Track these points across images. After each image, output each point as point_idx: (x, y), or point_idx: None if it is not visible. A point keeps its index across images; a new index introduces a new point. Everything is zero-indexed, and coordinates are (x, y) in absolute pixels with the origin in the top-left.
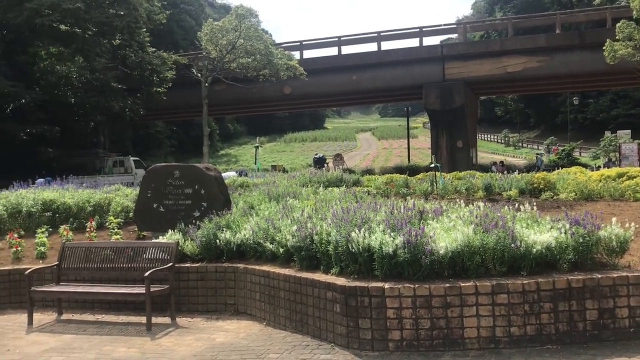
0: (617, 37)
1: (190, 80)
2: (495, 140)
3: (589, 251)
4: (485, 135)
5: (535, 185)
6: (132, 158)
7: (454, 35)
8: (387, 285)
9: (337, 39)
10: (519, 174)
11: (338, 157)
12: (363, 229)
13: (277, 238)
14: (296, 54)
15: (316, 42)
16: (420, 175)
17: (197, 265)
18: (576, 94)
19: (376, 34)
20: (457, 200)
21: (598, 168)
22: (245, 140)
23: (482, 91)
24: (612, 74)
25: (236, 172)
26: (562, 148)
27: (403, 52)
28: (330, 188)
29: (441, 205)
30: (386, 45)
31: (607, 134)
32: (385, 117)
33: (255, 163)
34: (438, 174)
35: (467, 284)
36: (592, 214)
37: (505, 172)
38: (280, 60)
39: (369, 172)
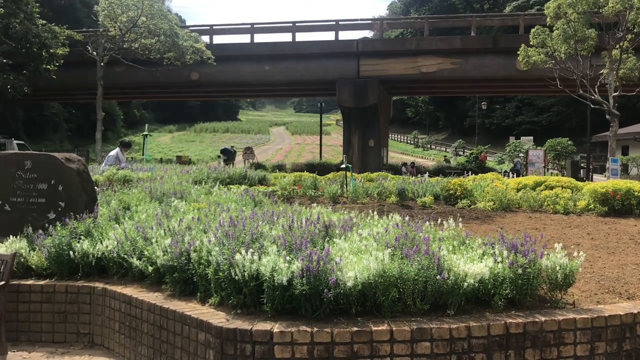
0: (530, 43)
1: (88, 60)
2: (405, 141)
3: (530, 285)
4: (396, 136)
5: (451, 191)
6: (15, 142)
7: (372, 35)
8: (276, 329)
9: (250, 26)
10: (429, 176)
11: (248, 151)
12: (252, 249)
13: (146, 253)
14: (207, 40)
15: (228, 27)
16: (330, 175)
17: (42, 283)
18: (485, 99)
19: (291, 24)
20: (369, 207)
21: (505, 173)
22: (153, 128)
23: (396, 90)
24: (523, 80)
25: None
26: (470, 151)
27: (318, 45)
28: (231, 186)
29: (351, 217)
30: (301, 37)
31: (512, 139)
32: (300, 112)
33: (143, 154)
34: (349, 174)
35: (380, 328)
36: (531, 237)
37: (416, 173)
38: (186, 43)
39: (279, 167)
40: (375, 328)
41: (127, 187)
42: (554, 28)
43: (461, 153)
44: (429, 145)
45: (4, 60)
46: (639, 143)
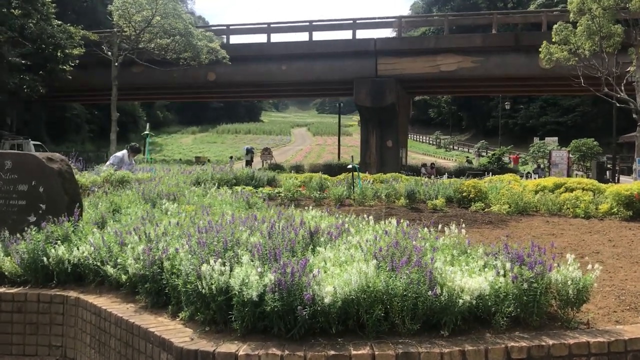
0: (553, 40)
1: (105, 61)
2: (427, 141)
3: (537, 302)
4: (418, 136)
5: (464, 194)
6: (32, 142)
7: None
8: (242, 351)
9: (266, 26)
10: (448, 177)
11: (266, 152)
12: (224, 258)
13: (120, 260)
14: (224, 40)
15: (244, 27)
16: (341, 176)
17: (13, 291)
18: (508, 99)
19: (308, 23)
20: (377, 209)
21: (528, 174)
22: (175, 129)
23: (415, 90)
24: (546, 78)
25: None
26: (492, 152)
27: (335, 44)
28: (237, 187)
29: (344, 222)
30: (318, 36)
31: (536, 140)
32: (322, 113)
33: (144, 154)
34: (356, 175)
35: (360, 352)
36: (539, 246)
37: (436, 174)
38: (200, 42)
39: (297, 168)
40: (355, 352)
41: (123, 189)
42: (577, 24)
43: (484, 154)
44: (451, 146)
45: (20, 61)
46: None
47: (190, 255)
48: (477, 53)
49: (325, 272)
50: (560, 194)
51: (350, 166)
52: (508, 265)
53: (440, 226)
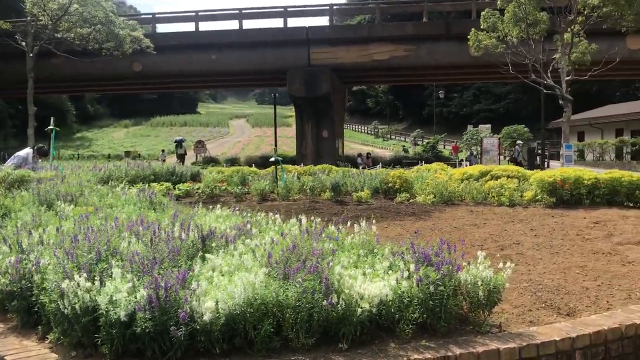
0: (481, 27)
1: (22, 52)
2: (366, 131)
3: (444, 307)
4: (357, 126)
5: (390, 184)
6: None
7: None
8: None
9: (194, 14)
10: (384, 167)
11: (199, 144)
12: (95, 271)
13: None
14: (150, 29)
15: (171, 15)
16: (270, 169)
17: None
18: (442, 88)
19: (237, 11)
20: (300, 203)
21: (461, 162)
22: (107, 123)
23: (350, 80)
24: (476, 66)
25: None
26: (427, 141)
27: (265, 33)
28: (154, 184)
29: (246, 223)
30: (249, 25)
31: (470, 127)
32: (262, 104)
33: (50, 150)
34: (280, 168)
35: None
36: (450, 243)
37: (372, 164)
38: (123, 31)
39: (233, 161)
40: None
41: (20, 190)
42: (505, 11)
43: (420, 142)
44: (388, 136)
45: None
46: (595, 129)
47: (55, 270)
48: (409, 41)
49: (211, 283)
50: (485, 182)
51: (272, 159)
52: (412, 266)
53: (357, 221)
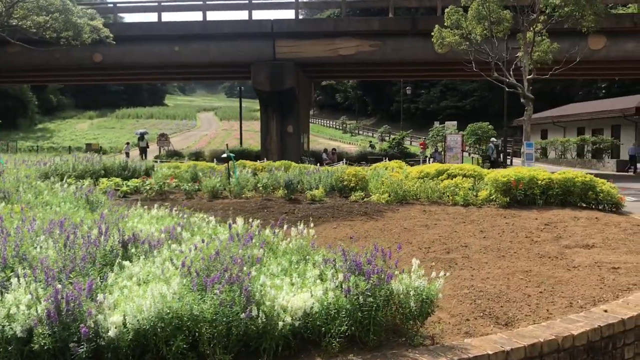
0: (445, 24)
1: None
2: (334, 126)
3: (373, 319)
4: (325, 121)
5: (345, 182)
6: None
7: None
8: None
9: (157, 4)
10: (348, 163)
11: (162, 137)
12: None
13: None
14: (111, 19)
15: (132, 5)
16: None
17: None
18: (409, 84)
19: (201, 2)
20: (250, 202)
21: (425, 158)
22: (71, 114)
23: (316, 74)
24: (442, 63)
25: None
26: (392, 137)
27: (230, 25)
28: (103, 180)
29: (176, 225)
30: (213, 16)
31: (436, 124)
32: (231, 97)
33: None
34: (232, 165)
35: None
36: (384, 250)
37: (336, 160)
38: (81, 20)
39: (198, 155)
40: None
41: None
42: (469, 9)
43: (387, 138)
44: (356, 131)
45: None
46: (557, 127)
47: None
48: (375, 37)
49: (124, 294)
50: (441, 181)
51: (224, 155)
52: (340, 276)
53: (304, 221)
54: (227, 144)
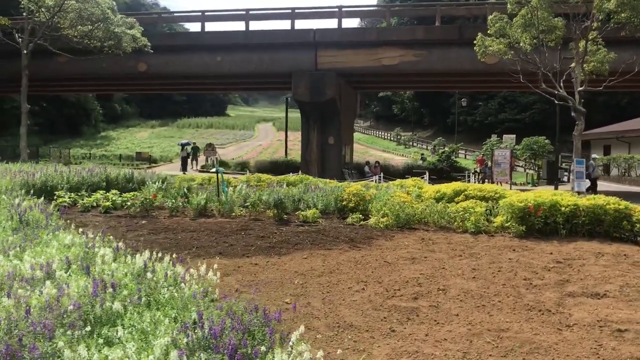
0: (488, 32)
1: (38, 50)
2: (388, 138)
3: None
4: (380, 133)
5: (344, 202)
6: None
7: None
8: None
9: (200, 14)
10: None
11: (209, 147)
12: None
13: None
14: (157, 28)
15: (177, 15)
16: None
17: None
18: (465, 96)
19: (244, 12)
20: (237, 222)
21: (474, 173)
22: (135, 123)
23: (358, 84)
24: (490, 74)
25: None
26: (442, 150)
27: (272, 35)
28: (97, 193)
29: (66, 261)
30: (256, 26)
31: (494, 137)
32: (292, 108)
33: None
34: (221, 181)
35: None
36: (266, 309)
37: (379, 173)
38: (118, 29)
39: (243, 165)
40: None
41: None
42: (517, 16)
43: (440, 151)
44: (410, 143)
45: None
46: (622, 142)
47: None
48: (419, 46)
49: None
50: (457, 203)
51: (213, 170)
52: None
53: (269, 252)
54: (216, 157)
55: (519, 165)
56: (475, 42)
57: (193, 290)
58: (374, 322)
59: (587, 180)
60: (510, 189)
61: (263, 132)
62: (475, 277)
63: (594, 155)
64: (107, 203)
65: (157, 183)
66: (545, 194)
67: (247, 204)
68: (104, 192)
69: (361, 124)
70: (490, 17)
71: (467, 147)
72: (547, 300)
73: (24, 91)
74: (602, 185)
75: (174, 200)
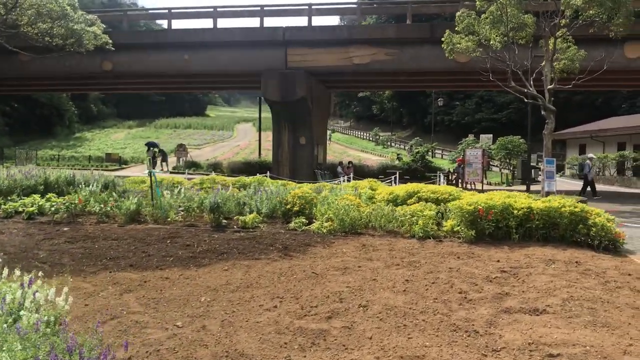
0: (456, 29)
1: None
2: (367, 138)
3: None
4: (359, 133)
5: (288, 206)
6: None
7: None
8: None
9: (167, 11)
10: (362, 177)
11: (181, 148)
12: None
13: None
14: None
15: (143, 12)
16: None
17: None
18: (441, 95)
19: (212, 9)
20: (168, 229)
21: (448, 173)
22: (112, 123)
23: (330, 84)
24: (463, 73)
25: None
26: (416, 150)
27: (241, 33)
28: (34, 196)
29: None
30: (224, 24)
31: (471, 137)
32: (268, 108)
33: None
34: (154, 184)
35: None
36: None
37: (352, 173)
38: (77, 26)
39: (215, 166)
40: None
41: None
42: (486, 13)
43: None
44: (389, 143)
45: None
46: (596, 142)
47: None
48: (391, 45)
49: None
50: (408, 205)
51: (146, 172)
52: None
53: (187, 263)
54: (149, 159)
55: (494, 165)
56: (442, 39)
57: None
58: (271, 350)
59: (555, 180)
60: (482, 189)
61: (242, 133)
62: (406, 289)
63: (590, 155)
64: (32, 208)
65: (92, 186)
66: (497, 196)
67: (181, 208)
68: (39, 196)
69: (341, 124)
70: (458, 13)
71: (444, 147)
72: (479, 318)
73: None
74: (577, 184)
75: (101, 206)
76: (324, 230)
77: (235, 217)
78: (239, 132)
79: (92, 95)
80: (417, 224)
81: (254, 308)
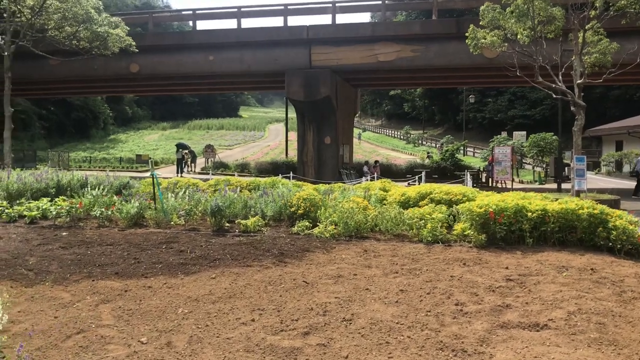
0: (480, 23)
1: (26, 52)
2: (398, 136)
3: None
4: (390, 131)
5: (293, 209)
6: None
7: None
8: None
9: (191, 13)
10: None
11: (209, 149)
12: None
13: None
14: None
15: (167, 14)
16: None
17: None
18: (473, 92)
19: (236, 9)
20: (168, 233)
21: (478, 171)
22: (146, 125)
23: (355, 82)
24: (491, 68)
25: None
26: (445, 148)
27: (264, 32)
28: (42, 200)
29: None
30: (248, 24)
31: (504, 134)
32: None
33: None
34: (157, 186)
35: None
36: None
37: (378, 173)
38: (101, 28)
39: (243, 167)
40: None
41: None
42: (511, 6)
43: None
44: (419, 141)
45: None
46: (634, 138)
47: None
48: (417, 41)
49: None
50: (421, 207)
51: (149, 173)
52: None
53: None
54: (151, 160)
55: (527, 163)
56: (467, 34)
57: None
58: None
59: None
60: (512, 187)
61: (274, 133)
62: (398, 301)
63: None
64: (33, 212)
65: (97, 189)
66: (510, 197)
67: (182, 212)
68: (49, 199)
69: (372, 123)
70: (482, 7)
71: (476, 145)
72: (471, 334)
73: (6, 94)
74: (613, 182)
75: (102, 209)
76: (327, 235)
77: (237, 221)
78: (270, 133)
79: (127, 98)
80: (425, 228)
81: (230, 322)
